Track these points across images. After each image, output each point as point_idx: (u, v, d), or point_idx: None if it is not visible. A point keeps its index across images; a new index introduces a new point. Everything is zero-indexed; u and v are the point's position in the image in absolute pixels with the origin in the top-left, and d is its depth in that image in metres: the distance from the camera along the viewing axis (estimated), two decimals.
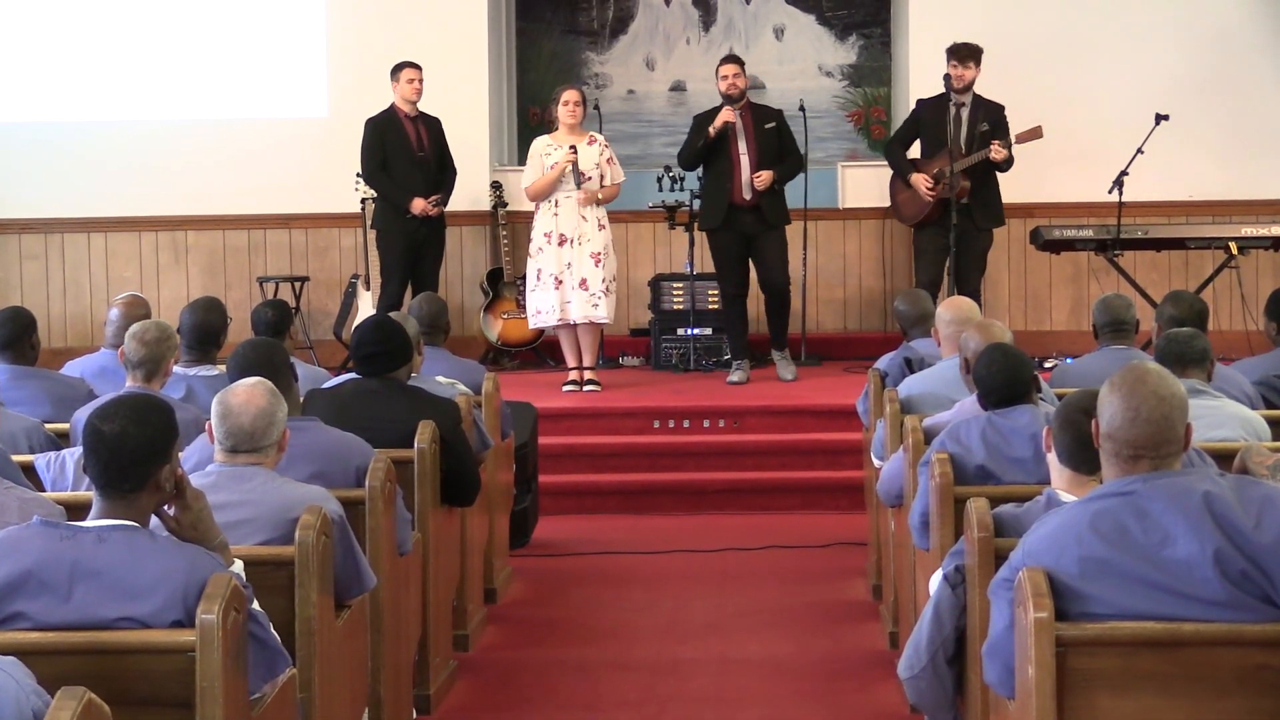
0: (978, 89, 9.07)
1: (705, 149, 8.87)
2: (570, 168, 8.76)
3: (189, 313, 5.63)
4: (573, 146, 8.77)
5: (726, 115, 8.78)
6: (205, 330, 5.58)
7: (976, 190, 8.95)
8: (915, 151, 9.27)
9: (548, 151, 8.85)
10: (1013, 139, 8.87)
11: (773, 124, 8.97)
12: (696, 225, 9.33)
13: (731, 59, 9.02)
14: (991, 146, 8.81)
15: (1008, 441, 4.33)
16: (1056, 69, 10.27)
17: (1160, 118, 9.31)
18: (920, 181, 8.93)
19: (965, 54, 8.99)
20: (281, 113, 10.62)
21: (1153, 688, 2.89)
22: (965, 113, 9.00)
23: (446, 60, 10.04)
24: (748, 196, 8.86)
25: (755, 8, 11.87)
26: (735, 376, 9.09)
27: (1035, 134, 8.91)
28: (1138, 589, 2.89)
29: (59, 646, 2.90)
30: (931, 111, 9.19)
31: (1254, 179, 10.33)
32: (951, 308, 5.73)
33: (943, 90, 9.13)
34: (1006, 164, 8.92)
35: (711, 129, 8.76)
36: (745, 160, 8.86)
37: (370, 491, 4.18)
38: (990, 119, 8.99)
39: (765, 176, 8.77)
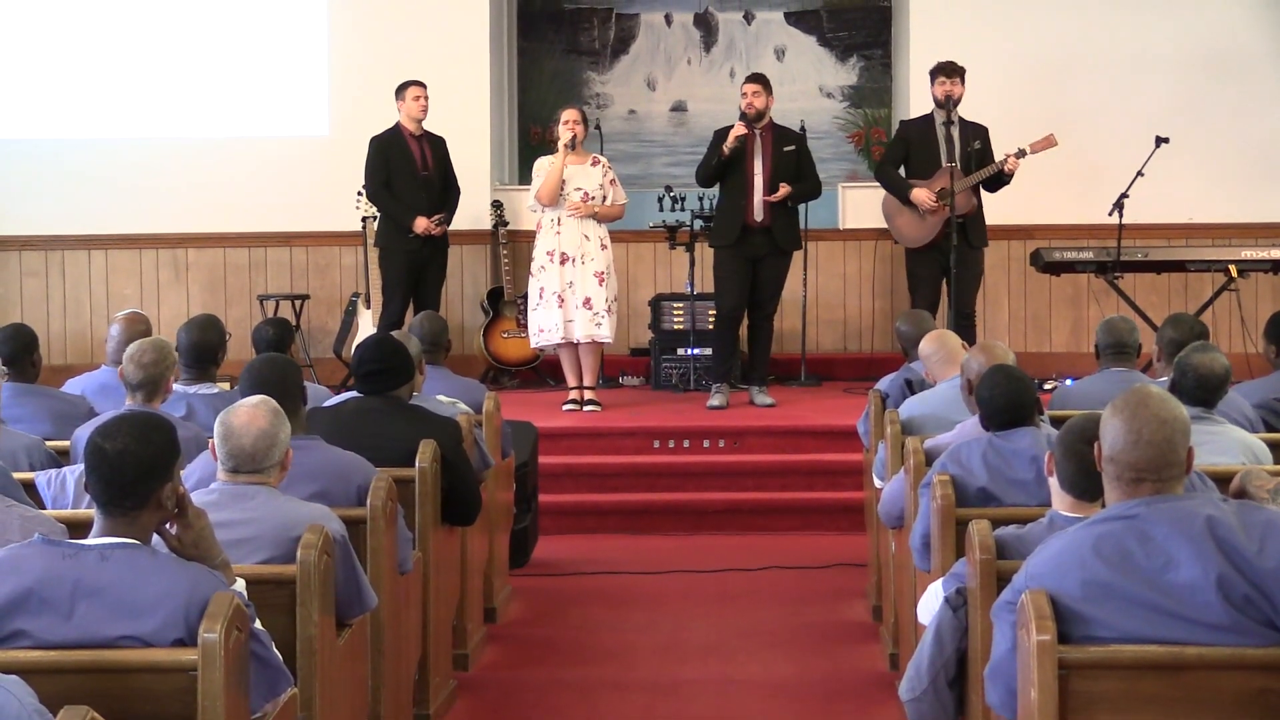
0: (964, 109, 9.07)
1: (720, 166, 8.82)
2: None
3: (186, 332, 5.62)
4: (571, 139, 8.75)
5: (738, 130, 8.75)
6: (203, 349, 5.57)
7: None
8: (903, 173, 9.26)
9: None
10: (1028, 149, 8.85)
11: (792, 147, 8.91)
12: (708, 242, 9.30)
13: (753, 78, 8.95)
14: (1008, 158, 8.80)
15: (1009, 464, 4.33)
16: (1056, 91, 10.30)
17: (1160, 140, 9.33)
18: (923, 196, 8.91)
19: (954, 70, 9.00)
20: (283, 131, 10.64)
21: (1155, 711, 2.89)
22: (955, 131, 9.00)
23: (448, 79, 10.05)
24: (759, 218, 8.83)
25: (756, 28, 11.90)
26: (715, 401, 8.94)
27: (1049, 143, 8.89)
28: (1140, 613, 2.89)
29: (61, 665, 2.90)
30: (918, 132, 9.19)
31: (1254, 202, 10.35)
32: (934, 342, 5.79)
33: (927, 111, 9.14)
34: (1007, 179, 8.91)
35: (725, 146, 8.74)
36: (759, 181, 8.83)
37: (371, 510, 4.18)
38: (979, 138, 9.00)
39: (782, 190, 8.74)
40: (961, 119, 9.05)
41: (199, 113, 10.65)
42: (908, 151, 9.21)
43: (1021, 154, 8.83)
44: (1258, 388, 5.82)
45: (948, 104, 8.96)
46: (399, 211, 9.27)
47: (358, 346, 5.25)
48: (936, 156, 9.00)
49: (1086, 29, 10.44)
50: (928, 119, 9.13)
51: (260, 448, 3.77)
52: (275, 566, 3.61)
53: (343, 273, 10.57)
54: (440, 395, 5.84)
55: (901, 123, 9.67)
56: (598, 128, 10.05)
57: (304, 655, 3.52)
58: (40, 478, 4.51)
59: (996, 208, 9.22)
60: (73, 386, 6.01)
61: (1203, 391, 4.83)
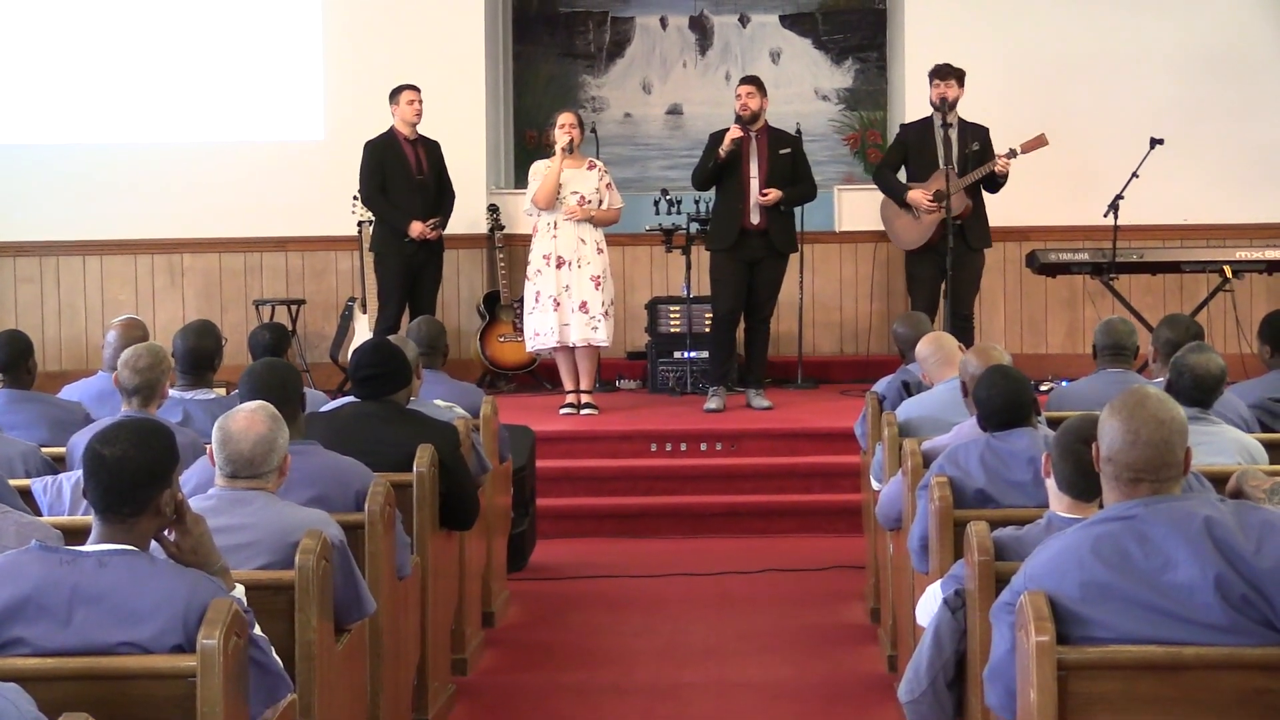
0: (961, 111, 9.08)
1: (716, 169, 8.82)
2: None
3: (182, 338, 5.61)
4: (569, 143, 8.74)
5: (733, 132, 8.76)
6: (199, 355, 5.56)
7: (972, 210, 8.96)
8: (902, 176, 9.26)
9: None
10: (1019, 149, 8.86)
11: (788, 150, 8.91)
12: (704, 245, 9.30)
13: (747, 79, 8.95)
14: (998, 159, 8.81)
15: (1006, 465, 4.34)
16: (1052, 93, 10.31)
17: (1155, 142, 9.35)
18: (919, 197, 8.92)
19: (949, 72, 9.00)
20: (278, 136, 10.63)
21: (1154, 711, 2.89)
22: (954, 133, 9.00)
23: (443, 83, 10.06)
24: (756, 220, 8.84)
25: (752, 31, 11.90)
26: (712, 404, 8.94)
27: (1040, 142, 8.90)
28: (1139, 613, 2.90)
29: (59, 672, 2.89)
30: (917, 135, 9.19)
31: (1248, 203, 10.36)
32: (931, 344, 5.80)
33: (928, 114, 9.15)
34: (1003, 180, 8.91)
35: (721, 149, 8.74)
36: (755, 184, 8.83)
37: (369, 515, 4.18)
38: (978, 139, 9.01)
39: (772, 194, 8.76)
40: (962, 120, 9.05)
41: (194, 118, 10.64)
42: (906, 155, 9.23)
43: (1012, 154, 8.84)
44: (1253, 388, 5.83)
45: (943, 106, 8.96)
46: (394, 216, 9.27)
47: (354, 351, 5.25)
48: (934, 159, 9.00)
49: (1082, 30, 10.44)
50: (926, 122, 9.14)
51: (259, 453, 3.76)
52: (274, 572, 3.61)
53: (338, 277, 10.56)
54: (437, 400, 5.84)
55: (901, 126, 9.70)
56: (593, 131, 10.05)
57: (303, 660, 3.51)
58: (36, 484, 4.51)
59: (992, 209, 9.22)
60: (69, 393, 6.00)
61: (1199, 392, 4.84)
